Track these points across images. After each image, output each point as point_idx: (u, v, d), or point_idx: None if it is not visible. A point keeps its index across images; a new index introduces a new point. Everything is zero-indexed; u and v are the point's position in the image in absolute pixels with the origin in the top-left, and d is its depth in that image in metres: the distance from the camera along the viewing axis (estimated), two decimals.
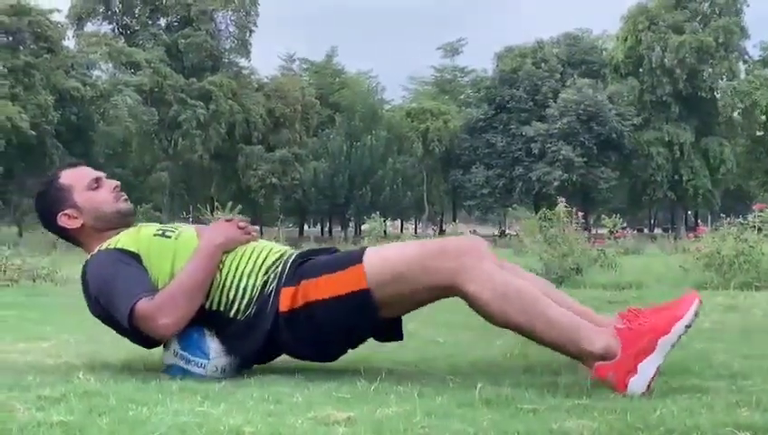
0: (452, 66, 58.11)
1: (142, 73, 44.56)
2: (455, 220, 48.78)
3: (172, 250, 2.60)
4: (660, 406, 2.02)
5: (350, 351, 2.67)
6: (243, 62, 52.24)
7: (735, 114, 51.53)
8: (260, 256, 2.61)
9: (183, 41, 48.04)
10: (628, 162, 50.32)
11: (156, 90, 45.08)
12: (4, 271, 8.64)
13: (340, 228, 55.67)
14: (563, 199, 9.92)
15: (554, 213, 9.49)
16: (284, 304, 2.49)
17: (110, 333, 2.75)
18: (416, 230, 52.63)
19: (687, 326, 2.28)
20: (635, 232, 33.66)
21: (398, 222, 56.98)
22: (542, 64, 51.82)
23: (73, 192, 2.74)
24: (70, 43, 45.30)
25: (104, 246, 2.62)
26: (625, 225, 14.07)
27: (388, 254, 2.50)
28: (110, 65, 45.80)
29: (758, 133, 52.71)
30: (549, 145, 48.64)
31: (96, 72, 44.93)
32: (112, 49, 45.37)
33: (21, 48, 40.62)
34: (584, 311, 2.50)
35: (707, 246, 8.26)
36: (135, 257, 2.57)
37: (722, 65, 49.76)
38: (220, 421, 1.87)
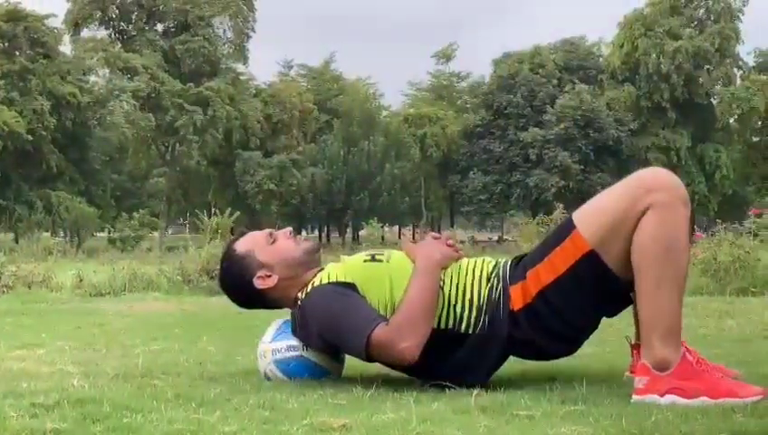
0: (448, 72, 58.14)
1: (139, 79, 44.51)
2: (452, 226, 48.84)
3: (387, 275, 2.55)
4: (655, 412, 2.02)
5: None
6: (240, 67, 52.22)
7: (732, 120, 51.60)
8: (476, 267, 2.58)
9: (180, 46, 48.01)
10: (625, 168, 50.21)
11: (153, 95, 45.04)
12: (0, 277, 8.62)
13: (337, 234, 55.64)
14: (561, 205, 9.93)
15: (552, 219, 9.50)
16: (517, 303, 2.45)
17: (104, 340, 2.74)
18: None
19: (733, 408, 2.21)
20: None
21: (396, 228, 56.91)
22: (540, 70, 51.83)
23: (255, 254, 2.70)
24: (66, 48, 45.32)
25: (317, 281, 2.59)
26: None
27: (596, 205, 2.47)
28: (107, 71, 45.73)
29: (754, 139, 52.81)
30: (546, 151, 48.65)
31: (93, 78, 44.91)
32: (109, 54, 45.33)
33: (17, 53, 40.61)
34: None
35: (703, 252, 8.27)
36: (352, 287, 2.53)
37: (718, 71, 49.83)
38: (215, 429, 1.86)
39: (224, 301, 3.58)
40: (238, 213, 14.70)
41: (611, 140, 48.51)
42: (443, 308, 2.49)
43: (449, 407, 2.10)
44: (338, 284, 2.54)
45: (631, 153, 49.59)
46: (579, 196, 48.43)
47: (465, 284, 2.52)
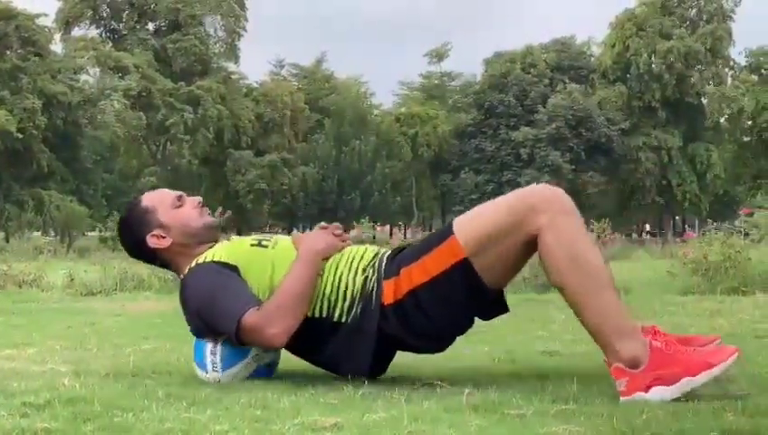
0: (439, 72, 58.15)
1: (130, 78, 44.42)
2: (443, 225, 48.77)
3: (270, 260, 2.59)
4: (646, 410, 2.02)
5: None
6: (231, 66, 52.15)
7: (722, 120, 51.77)
8: (356, 257, 2.61)
9: (171, 45, 47.92)
10: (616, 167, 50.45)
11: (144, 94, 44.94)
12: None
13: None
14: None
15: None
16: (388, 297, 2.48)
17: (95, 339, 2.73)
18: (405, 235, 52.60)
19: (716, 377, 2.26)
20: (623, 237, 33.76)
21: (387, 227, 56.91)
22: (531, 70, 51.90)
23: (158, 212, 2.72)
24: (57, 47, 45.19)
25: (201, 259, 2.62)
26: (612, 230, 14.11)
27: (476, 215, 2.50)
28: (98, 70, 45.62)
29: (745, 138, 52.99)
30: (538, 150, 48.74)
31: (84, 77, 44.76)
32: (100, 53, 45.22)
33: (8, 52, 40.47)
34: (622, 303, 2.46)
35: (694, 252, 8.30)
36: (234, 269, 2.56)
37: (709, 71, 49.98)
38: (206, 428, 1.86)
39: None
40: (229, 212, 14.68)
41: (603, 140, 48.62)
42: (317, 297, 2.54)
43: (441, 406, 2.11)
44: (220, 264, 2.57)
45: (622, 152, 49.71)
46: (570, 195, 48.10)
47: (341, 273, 2.57)
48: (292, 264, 2.54)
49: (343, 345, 2.52)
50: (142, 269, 9.25)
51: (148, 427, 1.86)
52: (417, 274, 2.46)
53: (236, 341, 2.47)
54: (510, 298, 6.04)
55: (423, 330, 2.49)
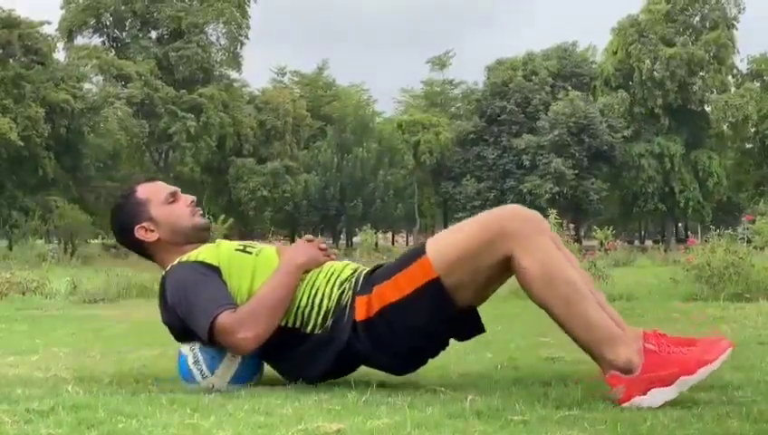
0: (440, 79, 58.22)
1: (133, 86, 44.51)
2: None
3: (252, 267, 2.61)
4: (650, 417, 2.02)
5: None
6: (234, 74, 52.22)
7: (725, 127, 51.79)
8: (334, 272, 2.63)
9: (174, 53, 48.00)
10: (618, 174, 50.46)
11: (146, 102, 45.02)
12: None
13: (331, 241, 55.60)
14: (554, 211, 9.93)
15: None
16: (360, 313, 2.49)
17: (98, 346, 2.74)
18: (407, 242, 52.61)
19: (710, 373, 2.28)
20: (625, 244, 33.74)
21: (390, 234, 56.94)
22: (533, 77, 51.94)
23: (150, 206, 2.75)
24: (60, 55, 45.25)
25: (184, 258, 2.64)
26: (615, 236, 14.11)
27: (449, 236, 2.51)
28: (101, 78, 45.73)
29: (747, 146, 52.99)
30: (540, 157, 48.74)
31: (86, 85, 44.82)
32: (103, 61, 45.32)
33: (11, 60, 40.55)
34: (612, 312, 2.46)
35: (698, 258, 8.28)
36: (215, 271, 2.58)
37: (714, 78, 49.98)
38: (210, 434, 1.86)
39: None
40: (231, 219, 14.71)
41: (605, 147, 48.61)
42: (293, 308, 2.55)
43: (444, 412, 2.10)
44: (203, 264, 2.59)
45: (625, 159, 49.72)
46: (573, 202, 48.58)
47: (318, 287, 2.58)
48: (273, 273, 2.56)
49: (308, 353, 2.54)
50: (145, 277, 9.25)
51: (152, 433, 1.86)
52: (390, 292, 2.47)
53: (207, 340, 2.48)
54: (512, 304, 6.05)
55: (392, 348, 2.50)
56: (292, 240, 62.03)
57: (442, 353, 2.66)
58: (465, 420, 2.02)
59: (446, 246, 2.47)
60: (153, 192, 2.79)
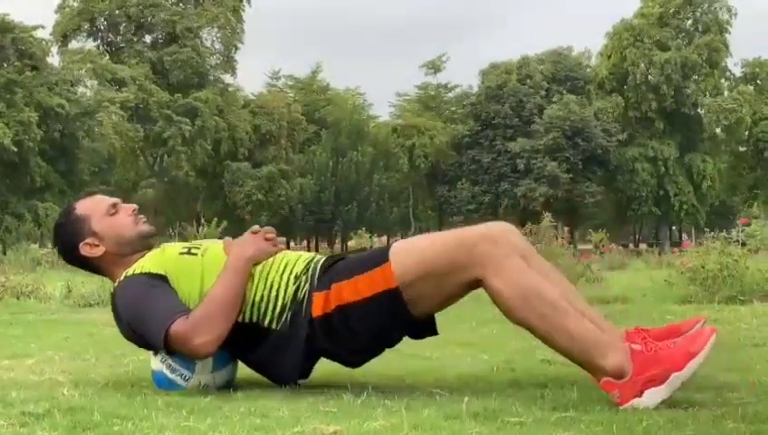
0: (435, 83, 58.25)
1: (127, 90, 44.49)
2: None
3: (199, 268, 2.59)
4: (646, 418, 2.02)
5: (336, 364, 2.66)
6: (228, 78, 52.28)
7: (719, 130, 51.92)
8: (288, 263, 2.61)
9: (168, 57, 48.00)
10: (613, 178, 50.54)
11: (141, 106, 45.01)
12: None
13: (326, 245, 55.57)
14: (549, 214, 9.95)
15: (540, 228, 9.51)
16: (317, 309, 2.48)
17: (93, 349, 2.73)
18: None
19: (699, 364, 2.27)
20: (620, 247, 33.73)
21: (385, 238, 56.91)
22: (528, 81, 52.02)
23: (91, 220, 2.72)
24: (54, 59, 45.25)
25: (130, 271, 2.61)
26: (610, 240, 14.13)
27: (415, 250, 2.49)
28: (95, 82, 45.71)
29: (741, 149, 53.12)
30: (534, 161, 48.80)
31: (81, 89, 44.82)
32: (97, 66, 45.30)
33: (4, 65, 40.50)
34: (595, 317, 2.46)
35: (692, 261, 8.28)
36: (163, 279, 2.55)
37: (707, 82, 50.12)
38: None
39: None
40: (226, 223, 14.68)
41: (600, 150, 48.71)
42: (248, 302, 2.53)
43: (440, 413, 2.10)
44: (149, 274, 2.57)
45: (619, 163, 49.82)
46: (567, 205, 48.64)
47: (272, 280, 2.56)
48: (222, 270, 2.54)
49: (272, 352, 2.53)
50: None
51: None
52: (347, 292, 2.47)
53: (165, 351, 2.47)
54: None
55: (348, 344, 2.51)
56: (288, 245, 62.09)
57: (438, 356, 2.67)
58: (461, 422, 2.02)
59: (411, 258, 2.45)
60: (93, 206, 2.76)
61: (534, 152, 48.83)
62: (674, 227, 56.25)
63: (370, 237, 13.04)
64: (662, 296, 7.94)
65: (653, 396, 2.23)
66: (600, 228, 13.32)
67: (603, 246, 12.34)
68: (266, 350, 2.54)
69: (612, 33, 51.71)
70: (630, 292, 8.34)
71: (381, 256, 2.49)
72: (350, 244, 39.22)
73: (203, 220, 13.29)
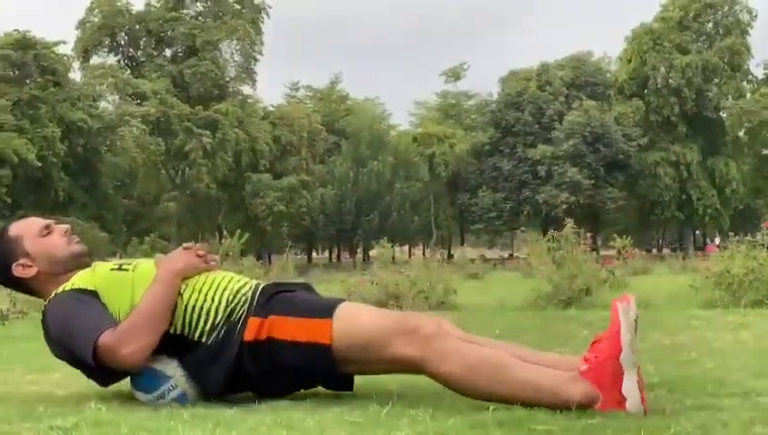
0: (455, 91, 58.26)
1: (148, 104, 44.82)
2: (462, 244, 48.73)
3: (130, 283, 2.61)
4: (674, 424, 2.00)
5: (355, 376, 2.67)
6: (248, 90, 52.59)
7: (741, 133, 51.56)
8: (222, 280, 2.64)
9: (188, 71, 48.33)
10: (635, 183, 50.31)
11: (162, 120, 45.31)
12: (14, 303, 8.64)
13: (348, 254, 55.62)
14: (571, 220, 9.91)
15: (562, 235, 9.48)
16: (250, 334, 2.50)
17: None
18: (424, 254, 52.48)
19: (631, 333, 2.26)
20: (643, 252, 33.55)
21: (407, 247, 56.89)
22: (547, 87, 51.94)
23: (24, 241, 2.73)
24: (76, 75, 45.71)
25: (60, 289, 2.63)
26: (633, 245, 14.05)
27: (360, 319, 2.51)
28: (117, 96, 46.09)
29: (764, 151, 52.69)
30: (555, 167, 48.69)
31: (102, 104, 45.22)
32: (118, 80, 45.68)
33: (27, 81, 40.90)
34: (547, 357, 2.49)
35: (717, 265, 8.22)
36: (92, 294, 2.58)
37: (729, 85, 49.83)
38: None
39: None
40: (248, 235, 14.71)
41: (621, 155, 48.53)
42: (179, 314, 2.54)
43: (466, 422, 2.09)
44: (79, 290, 2.59)
45: (641, 168, 49.58)
46: (589, 211, 48.44)
47: (206, 293, 2.58)
48: (150, 283, 2.55)
49: (200, 364, 2.54)
50: None
51: None
52: (282, 329, 2.49)
53: (95, 364, 2.46)
54: (531, 315, 6.02)
55: (269, 375, 2.52)
56: (309, 255, 61.88)
57: None
58: (487, 431, 2.01)
59: (353, 328, 2.47)
60: (25, 228, 2.78)
61: (555, 159, 48.71)
62: (698, 232, 55.87)
63: (392, 247, 13.00)
64: (687, 301, 7.90)
65: (629, 388, 2.22)
66: (622, 234, 13.23)
67: (626, 251, 12.26)
68: (195, 361, 2.55)
69: (632, 37, 51.55)
70: (655, 297, 8.29)
71: (326, 311, 2.51)
72: (372, 253, 39.24)
73: (225, 232, 13.34)
